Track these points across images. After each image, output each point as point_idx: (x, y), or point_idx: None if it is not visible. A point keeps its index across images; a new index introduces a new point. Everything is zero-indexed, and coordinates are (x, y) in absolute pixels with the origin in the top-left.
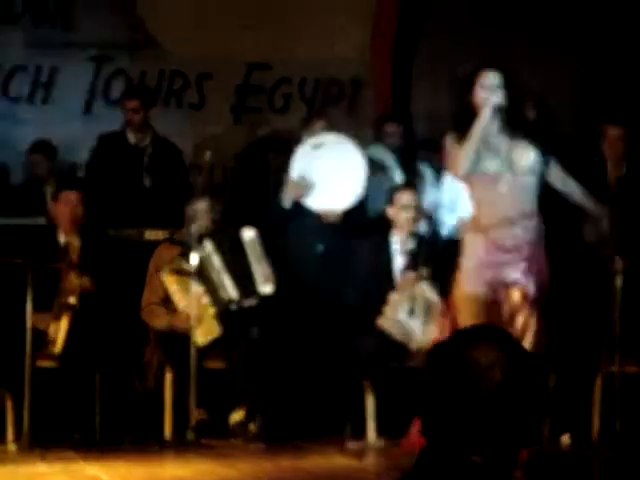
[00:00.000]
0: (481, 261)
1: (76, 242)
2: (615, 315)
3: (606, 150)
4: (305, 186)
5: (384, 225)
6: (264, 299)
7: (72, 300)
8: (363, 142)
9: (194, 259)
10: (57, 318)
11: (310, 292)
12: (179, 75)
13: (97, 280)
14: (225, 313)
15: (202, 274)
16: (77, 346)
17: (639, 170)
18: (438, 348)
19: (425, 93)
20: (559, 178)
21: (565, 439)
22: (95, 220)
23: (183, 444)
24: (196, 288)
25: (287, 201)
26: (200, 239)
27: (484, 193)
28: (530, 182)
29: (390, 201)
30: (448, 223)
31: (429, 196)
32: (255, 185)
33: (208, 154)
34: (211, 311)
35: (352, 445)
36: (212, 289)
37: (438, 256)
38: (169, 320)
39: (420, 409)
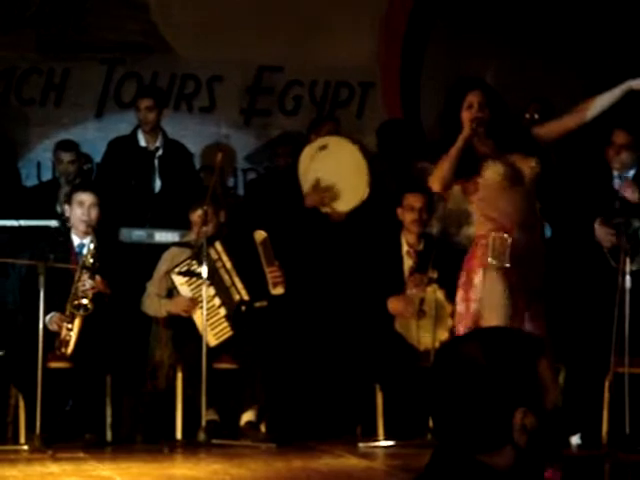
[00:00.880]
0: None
1: (90, 244)
2: (624, 316)
3: (612, 157)
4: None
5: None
6: (275, 300)
7: (85, 302)
8: (371, 145)
9: (204, 262)
10: (70, 320)
11: (320, 293)
12: (190, 78)
13: (110, 282)
14: (236, 314)
15: (213, 276)
16: (89, 347)
17: None
18: (443, 348)
19: (434, 97)
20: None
21: (575, 440)
22: (107, 222)
23: (194, 444)
24: (206, 290)
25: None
26: (211, 241)
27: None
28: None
29: (400, 203)
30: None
31: None
32: (264, 187)
33: (219, 156)
34: (222, 312)
35: (363, 446)
36: (223, 291)
37: (450, 258)
38: (168, 306)
39: (429, 410)
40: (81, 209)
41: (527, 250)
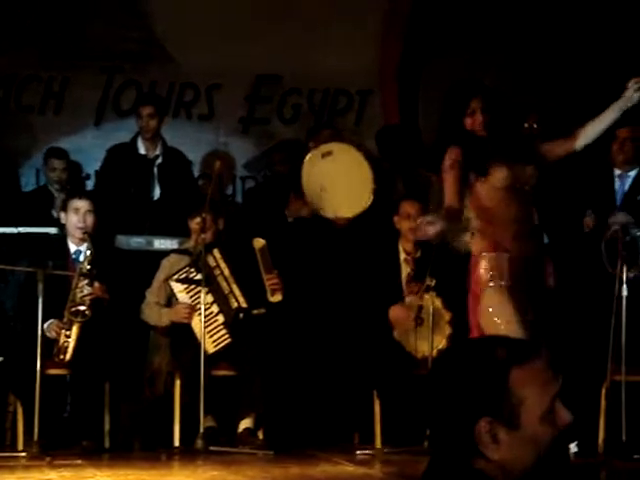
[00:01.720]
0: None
1: (87, 251)
2: (621, 324)
3: (616, 151)
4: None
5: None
6: (273, 308)
7: (83, 309)
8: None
9: (202, 269)
10: (68, 326)
11: (318, 301)
12: (190, 87)
13: (108, 289)
14: (234, 322)
15: (211, 283)
16: (87, 354)
17: None
18: (441, 356)
19: (433, 105)
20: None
21: (571, 448)
22: (105, 229)
23: (192, 451)
24: (205, 297)
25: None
26: (209, 249)
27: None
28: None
29: (396, 210)
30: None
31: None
32: (263, 194)
33: (217, 164)
34: (220, 320)
35: (361, 453)
36: (221, 298)
37: (448, 266)
38: (169, 315)
39: (426, 417)
40: (77, 216)
41: (526, 260)
